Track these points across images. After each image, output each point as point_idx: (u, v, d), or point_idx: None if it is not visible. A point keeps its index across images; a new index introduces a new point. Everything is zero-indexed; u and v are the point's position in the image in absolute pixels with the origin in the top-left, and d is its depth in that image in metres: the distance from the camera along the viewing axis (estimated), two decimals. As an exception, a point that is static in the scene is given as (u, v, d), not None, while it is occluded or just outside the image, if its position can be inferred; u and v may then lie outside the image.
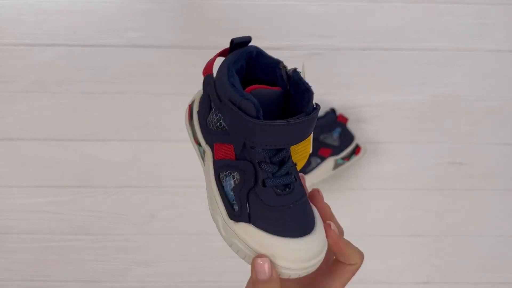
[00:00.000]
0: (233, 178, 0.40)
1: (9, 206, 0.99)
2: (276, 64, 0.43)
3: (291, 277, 0.39)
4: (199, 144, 0.44)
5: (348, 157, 0.96)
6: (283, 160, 0.41)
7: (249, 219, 0.39)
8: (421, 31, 0.99)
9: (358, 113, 1.00)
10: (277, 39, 0.98)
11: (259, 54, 0.44)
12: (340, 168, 0.96)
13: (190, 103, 0.47)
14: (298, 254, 0.38)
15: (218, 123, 0.41)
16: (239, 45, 0.44)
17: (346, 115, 0.98)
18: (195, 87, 0.49)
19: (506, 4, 0.99)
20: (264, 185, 0.39)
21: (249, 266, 0.39)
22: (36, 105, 0.98)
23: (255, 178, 0.39)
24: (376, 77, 1.00)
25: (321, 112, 0.98)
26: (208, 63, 0.44)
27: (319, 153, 0.95)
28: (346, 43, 0.99)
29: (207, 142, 0.43)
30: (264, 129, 0.37)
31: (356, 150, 0.97)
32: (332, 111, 0.97)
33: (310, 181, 0.94)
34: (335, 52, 0.99)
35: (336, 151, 0.95)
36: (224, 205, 0.40)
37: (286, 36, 0.98)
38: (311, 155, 0.96)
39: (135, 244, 1.01)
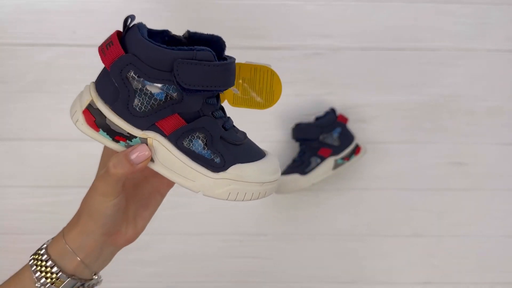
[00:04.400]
0: (199, 138, 0.41)
1: (9, 206, 0.99)
2: (166, 32, 0.45)
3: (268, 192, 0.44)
4: (128, 139, 0.41)
5: (348, 157, 0.96)
6: (222, 107, 0.45)
7: (232, 161, 0.42)
8: (421, 31, 0.99)
9: (358, 113, 1.00)
10: (277, 39, 0.98)
11: (145, 26, 0.44)
12: (340, 168, 0.96)
13: (84, 107, 0.42)
14: (273, 167, 0.44)
15: (152, 101, 0.40)
16: (130, 24, 0.43)
17: (346, 115, 0.98)
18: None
19: (506, 4, 0.99)
20: (225, 129, 0.43)
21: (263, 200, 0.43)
22: (36, 105, 0.98)
23: (217, 126, 0.42)
24: (376, 77, 1.00)
25: (321, 112, 0.98)
26: (111, 50, 0.40)
27: (319, 153, 0.95)
28: (346, 43, 0.99)
29: (143, 128, 0.41)
30: (224, 68, 0.40)
31: (356, 150, 0.97)
32: (332, 111, 0.97)
33: (310, 181, 0.94)
34: (335, 52, 0.99)
35: (336, 151, 0.95)
36: (203, 166, 0.41)
37: (286, 36, 0.98)
38: (311, 155, 0.96)
39: (135, 244, 1.01)
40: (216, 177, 0.41)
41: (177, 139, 0.41)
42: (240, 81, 0.48)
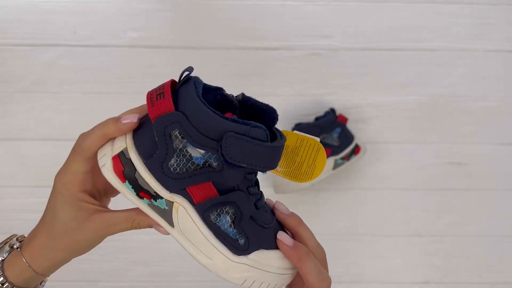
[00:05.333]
0: (228, 214, 0.39)
1: (9, 206, 0.99)
2: (220, 90, 0.42)
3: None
4: (153, 198, 0.39)
5: (348, 157, 0.96)
6: (257, 180, 0.42)
7: (257, 246, 0.39)
8: (421, 31, 0.99)
9: (358, 113, 1.00)
10: (277, 39, 0.98)
11: (202, 82, 0.40)
12: (340, 168, 0.96)
13: (115, 153, 0.39)
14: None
15: (189, 164, 0.37)
16: (186, 76, 0.40)
17: (346, 115, 0.99)
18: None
19: (506, 4, 0.99)
20: (257, 207, 0.40)
21: None
22: (36, 105, 0.98)
23: (250, 204, 0.39)
24: (376, 77, 1.00)
25: (321, 112, 0.98)
26: (160, 103, 0.38)
27: (319, 153, 0.95)
28: (346, 43, 0.99)
29: (172, 191, 0.38)
30: (274, 151, 0.38)
31: (356, 150, 0.97)
32: (332, 111, 0.97)
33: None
34: (335, 52, 0.99)
35: (336, 151, 0.95)
36: (225, 245, 0.39)
37: (286, 36, 0.98)
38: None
39: (135, 244, 1.01)
40: (236, 260, 0.39)
41: (204, 211, 0.38)
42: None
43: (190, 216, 0.38)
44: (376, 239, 1.02)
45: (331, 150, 0.95)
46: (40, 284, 0.44)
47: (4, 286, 0.41)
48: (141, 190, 0.39)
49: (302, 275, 0.40)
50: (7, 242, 0.43)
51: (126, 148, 0.39)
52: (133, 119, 0.39)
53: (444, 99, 1.01)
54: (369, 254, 1.02)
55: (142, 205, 0.40)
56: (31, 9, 0.96)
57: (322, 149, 0.44)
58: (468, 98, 1.01)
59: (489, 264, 1.04)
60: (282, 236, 0.40)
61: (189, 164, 0.37)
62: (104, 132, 0.40)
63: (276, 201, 0.43)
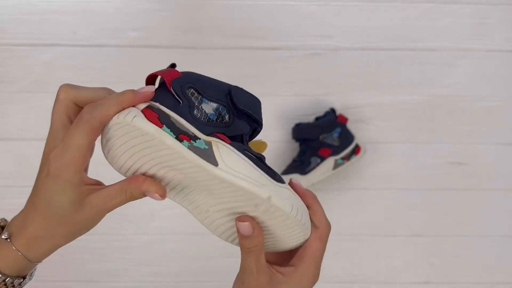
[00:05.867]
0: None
1: (9, 206, 0.99)
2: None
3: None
4: (193, 139, 0.39)
5: (348, 157, 0.96)
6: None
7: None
8: (421, 31, 0.99)
9: (358, 113, 1.00)
10: (277, 39, 0.98)
11: None
12: (340, 168, 0.96)
13: (144, 107, 0.40)
14: None
15: (207, 118, 0.41)
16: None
17: (346, 115, 0.98)
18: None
19: (506, 4, 0.99)
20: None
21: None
22: (36, 105, 0.98)
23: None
24: (376, 77, 1.00)
25: (321, 112, 0.98)
26: (170, 71, 0.43)
27: (319, 153, 0.95)
28: (346, 43, 0.99)
29: (205, 133, 0.40)
30: (260, 105, 0.46)
31: (356, 150, 0.97)
32: (332, 111, 0.97)
33: (310, 181, 0.94)
34: (335, 52, 0.99)
35: (336, 151, 0.95)
36: (268, 174, 0.40)
37: (286, 36, 0.98)
38: (311, 155, 0.96)
39: (135, 244, 1.01)
40: (281, 185, 0.40)
41: (239, 147, 0.40)
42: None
43: (230, 149, 0.40)
44: (376, 239, 1.02)
45: (331, 150, 0.95)
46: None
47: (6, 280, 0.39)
48: (180, 133, 0.39)
49: (313, 214, 0.42)
50: None
51: (150, 104, 0.40)
52: (151, 89, 0.41)
53: (444, 99, 1.01)
54: (369, 254, 1.02)
55: (183, 148, 0.39)
56: (31, 9, 0.96)
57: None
58: (468, 98, 1.01)
59: (489, 264, 1.04)
60: (295, 179, 0.43)
61: (207, 118, 0.41)
62: (122, 99, 0.39)
63: (291, 178, 0.45)
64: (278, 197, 0.39)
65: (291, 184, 0.43)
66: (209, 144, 0.39)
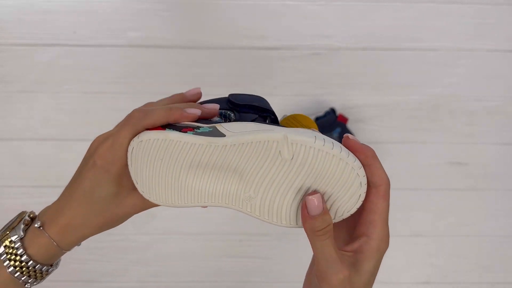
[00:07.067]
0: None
1: (9, 206, 0.99)
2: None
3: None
4: (196, 128, 0.41)
5: (348, 157, 0.96)
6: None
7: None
8: (421, 31, 0.99)
9: (358, 113, 1.00)
10: (277, 39, 0.98)
11: None
12: (340, 168, 0.96)
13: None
14: None
15: (215, 119, 0.44)
16: None
17: (346, 115, 0.98)
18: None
19: (506, 4, 0.99)
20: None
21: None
22: (36, 105, 0.98)
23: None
24: (376, 77, 1.00)
25: (321, 112, 0.98)
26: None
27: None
28: (346, 43, 0.99)
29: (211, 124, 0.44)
30: (256, 96, 0.47)
31: (356, 150, 0.97)
32: (332, 111, 0.97)
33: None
34: (335, 52, 0.99)
35: (336, 151, 0.95)
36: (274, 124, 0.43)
37: (286, 36, 0.98)
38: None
39: (135, 244, 1.01)
40: (290, 128, 0.40)
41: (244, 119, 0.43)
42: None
43: (234, 122, 0.42)
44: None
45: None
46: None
47: (29, 264, 0.40)
48: (183, 127, 0.40)
49: (372, 172, 0.39)
50: (21, 220, 0.42)
51: None
52: (196, 112, 0.41)
53: (444, 99, 1.01)
54: (369, 254, 1.02)
55: (188, 136, 0.39)
56: (31, 9, 0.96)
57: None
58: (468, 98, 1.01)
59: (489, 264, 1.04)
60: (351, 136, 0.40)
61: (214, 121, 0.42)
62: (170, 115, 0.40)
63: (347, 134, 0.41)
64: (294, 133, 0.36)
65: (346, 139, 0.40)
66: (212, 127, 0.40)
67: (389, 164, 1.02)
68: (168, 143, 0.39)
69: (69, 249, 0.42)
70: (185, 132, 0.39)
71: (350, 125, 0.99)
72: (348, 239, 0.40)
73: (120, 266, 1.01)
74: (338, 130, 0.96)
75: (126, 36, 0.97)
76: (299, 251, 1.01)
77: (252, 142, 0.37)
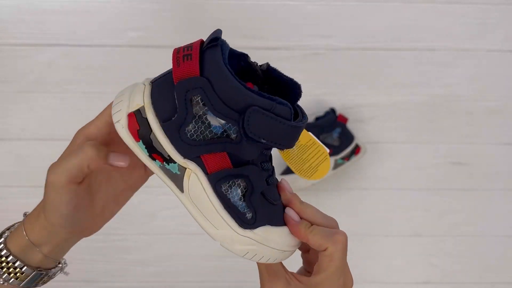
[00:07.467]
0: (239, 187, 0.38)
1: (9, 206, 0.99)
2: (245, 56, 0.41)
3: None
4: (166, 161, 0.38)
5: (348, 157, 0.96)
6: (270, 155, 0.41)
7: (263, 221, 0.39)
8: (421, 31, 0.99)
9: (358, 113, 1.00)
10: (277, 39, 0.98)
11: (228, 47, 0.39)
12: (340, 168, 0.96)
13: (131, 111, 0.38)
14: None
15: (207, 132, 0.36)
16: (214, 40, 0.37)
17: (346, 115, 0.98)
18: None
19: (506, 4, 0.99)
20: (268, 183, 0.39)
21: (256, 267, 0.43)
22: (36, 105, 0.98)
23: (262, 180, 0.39)
24: (376, 77, 1.00)
25: (321, 112, 0.98)
26: (186, 65, 0.36)
27: (319, 153, 0.95)
28: (346, 43, 0.99)
29: (186, 156, 0.37)
30: (295, 130, 0.37)
31: (356, 150, 0.97)
32: (332, 111, 0.97)
33: (310, 181, 0.94)
34: (335, 52, 0.99)
35: (336, 151, 0.95)
36: (233, 217, 0.38)
37: (286, 36, 0.98)
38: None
39: (135, 244, 1.01)
40: (241, 233, 0.38)
41: (216, 181, 0.37)
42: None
43: (202, 185, 0.37)
44: (376, 239, 1.02)
45: (331, 150, 0.95)
46: (57, 266, 0.44)
47: (9, 259, 0.41)
48: (154, 152, 0.38)
49: (312, 246, 0.40)
50: (20, 222, 0.44)
51: (143, 107, 0.37)
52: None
53: (444, 99, 1.01)
54: (369, 254, 1.02)
55: (154, 167, 0.39)
56: (31, 9, 0.96)
57: (328, 160, 0.44)
58: (468, 98, 1.01)
59: (489, 264, 1.04)
60: (290, 212, 0.41)
61: (207, 132, 0.36)
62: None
63: (282, 179, 0.42)
64: (229, 244, 0.39)
65: (279, 187, 0.42)
66: (182, 170, 0.37)
67: (389, 164, 1.02)
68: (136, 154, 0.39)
69: (40, 244, 0.42)
70: (154, 159, 0.38)
71: (350, 125, 0.99)
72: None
73: (120, 266, 1.01)
74: (338, 130, 0.96)
75: (126, 36, 0.97)
76: (298, 252, 1.01)
77: (196, 221, 0.39)
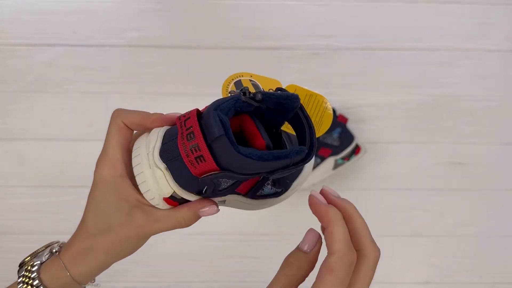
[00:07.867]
0: (269, 184, 0.44)
1: (9, 206, 0.99)
2: (238, 101, 0.38)
3: None
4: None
5: (348, 157, 0.96)
6: None
7: (287, 187, 0.48)
8: (421, 31, 0.99)
9: (358, 113, 1.00)
10: (277, 39, 0.98)
11: (227, 122, 0.38)
12: (340, 168, 0.96)
13: (166, 197, 0.40)
14: None
15: (235, 181, 0.40)
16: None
17: (346, 115, 0.98)
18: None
19: (506, 4, 0.99)
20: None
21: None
22: (36, 105, 0.98)
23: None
24: (376, 77, 1.00)
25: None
26: (203, 165, 0.36)
27: (319, 153, 0.95)
28: (346, 43, 0.99)
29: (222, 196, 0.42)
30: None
31: (356, 150, 0.97)
32: (332, 111, 0.97)
33: (310, 181, 0.94)
34: (335, 52, 0.99)
35: (336, 151, 0.95)
36: (270, 198, 0.47)
37: (286, 36, 0.98)
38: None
39: (135, 244, 1.01)
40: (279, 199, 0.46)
41: (253, 193, 0.43)
42: None
43: (241, 201, 0.43)
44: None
45: (331, 150, 0.95)
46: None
47: None
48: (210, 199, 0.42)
49: (327, 240, 0.37)
50: (48, 246, 0.42)
51: (175, 192, 0.39)
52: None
53: (444, 99, 1.01)
54: (369, 254, 1.02)
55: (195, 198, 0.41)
56: (31, 9, 0.96)
57: (329, 106, 0.46)
58: (468, 98, 1.01)
59: (489, 264, 1.04)
60: (315, 193, 0.40)
61: (235, 181, 0.39)
62: (147, 116, 0.41)
63: (323, 185, 0.42)
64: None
65: (323, 191, 0.43)
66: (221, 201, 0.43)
67: (389, 164, 1.02)
68: None
69: (82, 281, 0.41)
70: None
71: (350, 125, 0.99)
72: None
73: (120, 266, 1.01)
74: (338, 130, 0.96)
75: (126, 36, 0.97)
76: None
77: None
